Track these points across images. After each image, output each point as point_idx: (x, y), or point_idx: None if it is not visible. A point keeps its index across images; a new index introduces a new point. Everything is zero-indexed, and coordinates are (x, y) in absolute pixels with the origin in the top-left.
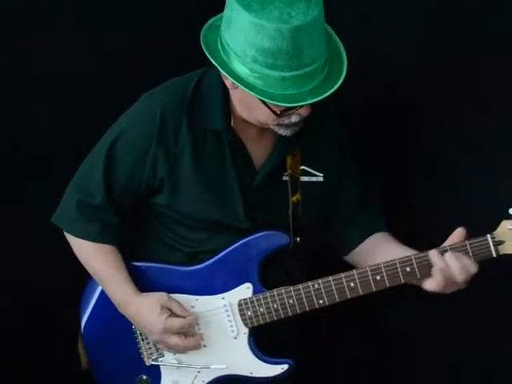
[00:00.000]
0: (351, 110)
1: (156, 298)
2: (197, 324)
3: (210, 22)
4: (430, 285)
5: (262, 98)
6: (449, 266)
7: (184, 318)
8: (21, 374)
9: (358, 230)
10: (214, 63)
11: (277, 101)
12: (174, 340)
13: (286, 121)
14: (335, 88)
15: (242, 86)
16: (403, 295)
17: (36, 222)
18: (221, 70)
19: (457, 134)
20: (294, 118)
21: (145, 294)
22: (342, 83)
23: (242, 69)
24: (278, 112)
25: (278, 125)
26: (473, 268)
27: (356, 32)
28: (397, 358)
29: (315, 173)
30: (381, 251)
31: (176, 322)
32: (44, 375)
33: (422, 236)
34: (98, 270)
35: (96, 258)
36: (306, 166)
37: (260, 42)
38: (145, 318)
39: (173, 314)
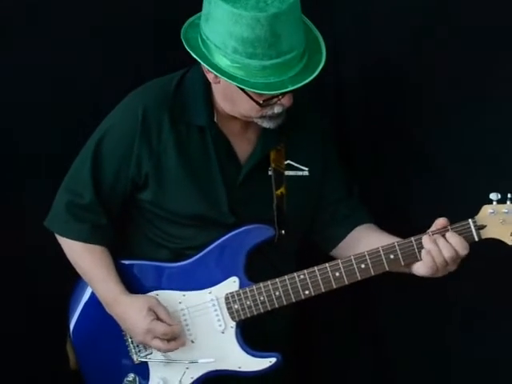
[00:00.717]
0: (350, 109)
1: (145, 300)
2: (184, 319)
3: (189, 20)
4: (421, 268)
5: (243, 87)
6: (437, 244)
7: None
8: (17, 374)
9: (342, 225)
10: (195, 56)
11: (258, 89)
12: (156, 343)
13: (269, 112)
14: (315, 75)
15: (223, 77)
16: (395, 287)
17: (36, 222)
18: (202, 62)
19: (450, 132)
20: (277, 109)
21: (134, 295)
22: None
23: (222, 60)
24: (261, 102)
25: (262, 117)
26: (459, 244)
27: (355, 32)
28: (388, 350)
29: (300, 167)
30: (365, 243)
31: (160, 327)
32: (37, 375)
33: (408, 225)
34: (87, 269)
35: (85, 258)
36: (291, 160)
37: (239, 32)
38: (131, 317)
39: (158, 319)
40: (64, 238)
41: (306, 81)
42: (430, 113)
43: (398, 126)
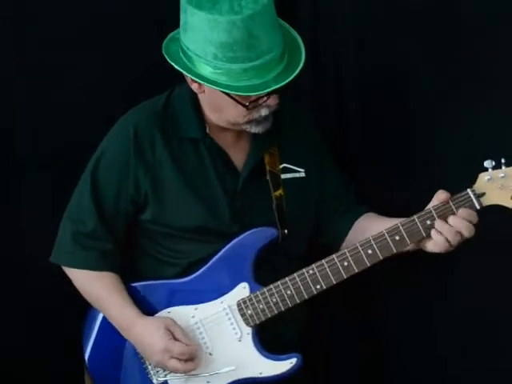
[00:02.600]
0: (350, 109)
1: (161, 321)
2: (200, 333)
3: (170, 35)
4: (435, 248)
5: (227, 91)
6: (449, 223)
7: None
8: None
9: (344, 220)
10: (177, 67)
11: (242, 92)
12: (173, 363)
13: (255, 115)
14: (297, 73)
15: (207, 84)
16: (403, 290)
17: (35, 222)
18: (185, 73)
19: (451, 131)
20: (264, 111)
21: (150, 316)
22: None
23: (205, 68)
24: (247, 104)
25: (249, 121)
26: (466, 213)
27: (354, 33)
28: (398, 353)
29: (296, 169)
30: (370, 231)
31: (178, 346)
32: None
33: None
34: (99, 297)
35: (97, 285)
36: (286, 163)
37: (217, 37)
38: (148, 338)
39: (175, 339)
40: (73, 269)
41: (289, 79)
42: (430, 113)
43: (398, 126)
